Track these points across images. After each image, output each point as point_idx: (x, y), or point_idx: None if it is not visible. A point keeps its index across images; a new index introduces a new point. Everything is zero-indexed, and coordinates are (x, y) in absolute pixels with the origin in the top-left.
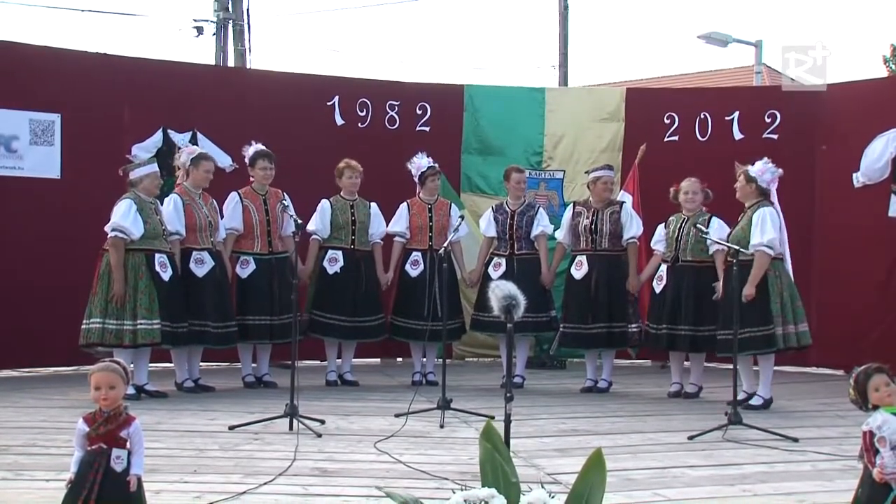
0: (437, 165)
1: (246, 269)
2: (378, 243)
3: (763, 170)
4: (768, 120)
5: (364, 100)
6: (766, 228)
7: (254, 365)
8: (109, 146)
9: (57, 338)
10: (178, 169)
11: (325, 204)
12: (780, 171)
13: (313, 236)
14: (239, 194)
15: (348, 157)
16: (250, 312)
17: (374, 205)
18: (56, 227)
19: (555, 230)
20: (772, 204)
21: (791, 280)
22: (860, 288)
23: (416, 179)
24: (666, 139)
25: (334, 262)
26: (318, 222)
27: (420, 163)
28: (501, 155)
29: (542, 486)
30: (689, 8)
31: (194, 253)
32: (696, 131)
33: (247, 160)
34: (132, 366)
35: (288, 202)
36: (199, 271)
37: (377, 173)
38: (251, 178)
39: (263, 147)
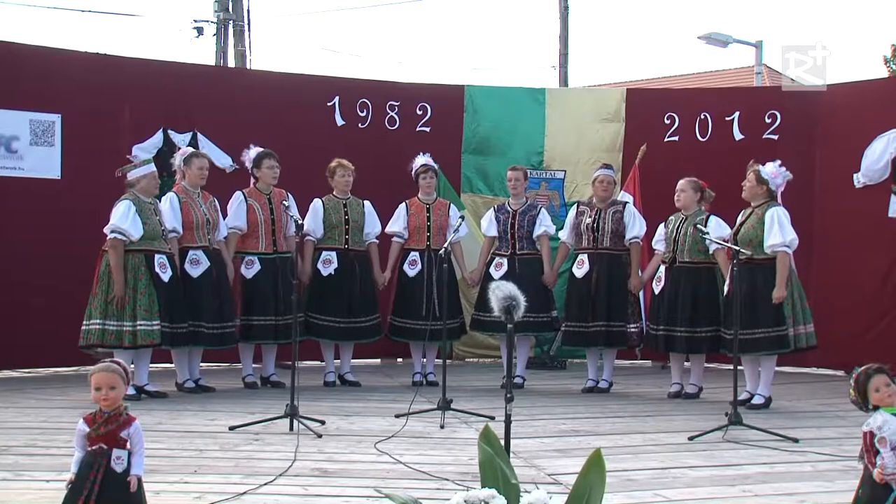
0: (431, 163)
1: (251, 270)
2: (374, 243)
3: (776, 173)
4: (768, 120)
5: (364, 100)
6: (786, 229)
7: (257, 366)
8: (109, 146)
9: (57, 338)
10: (177, 173)
11: (317, 203)
12: (790, 175)
13: (307, 237)
14: (243, 193)
15: (349, 158)
16: (255, 312)
17: (367, 203)
18: (56, 227)
19: (556, 230)
20: (779, 204)
21: (798, 280)
22: (860, 288)
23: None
24: (666, 139)
25: (328, 264)
26: (311, 222)
27: (416, 161)
28: (502, 155)
29: (537, 487)
30: (689, 8)
31: (190, 252)
32: (696, 131)
33: (248, 163)
34: (132, 366)
35: (290, 202)
36: (195, 272)
37: (377, 174)
38: (253, 180)
39: (264, 148)
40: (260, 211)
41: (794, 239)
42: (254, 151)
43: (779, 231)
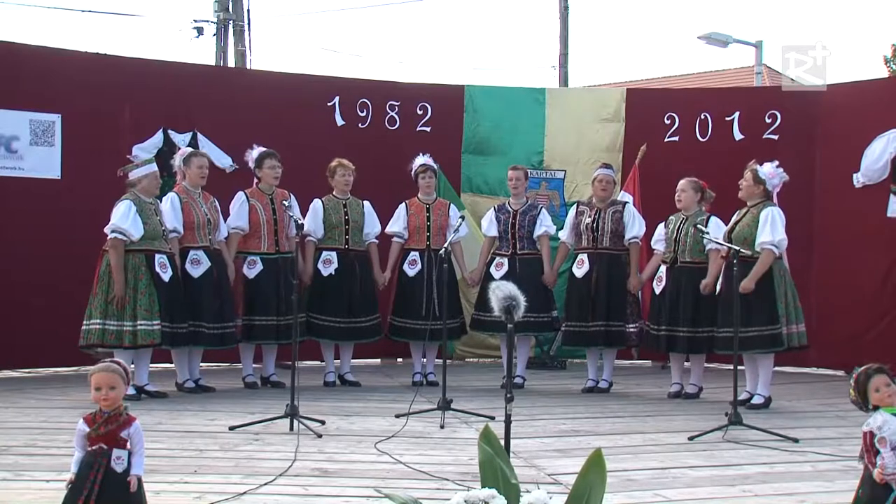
0: (430, 163)
1: (253, 270)
2: (374, 243)
3: (773, 174)
4: (768, 120)
5: (364, 100)
6: (777, 228)
7: (257, 366)
8: (109, 146)
9: (57, 338)
10: (178, 174)
11: (317, 203)
12: (787, 177)
13: (308, 237)
14: (245, 194)
15: (349, 158)
16: (257, 312)
17: (367, 203)
18: (56, 227)
19: (557, 230)
20: (775, 204)
21: (792, 280)
22: (859, 288)
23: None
24: (666, 139)
25: (329, 264)
26: (312, 222)
27: (416, 161)
28: (502, 155)
29: (538, 487)
30: (689, 8)
31: (191, 252)
32: (696, 131)
33: (251, 163)
34: (132, 366)
35: (292, 202)
36: (195, 272)
37: (377, 174)
38: (256, 180)
39: (266, 148)
40: (262, 211)
41: (783, 240)
42: (256, 152)
43: (770, 230)
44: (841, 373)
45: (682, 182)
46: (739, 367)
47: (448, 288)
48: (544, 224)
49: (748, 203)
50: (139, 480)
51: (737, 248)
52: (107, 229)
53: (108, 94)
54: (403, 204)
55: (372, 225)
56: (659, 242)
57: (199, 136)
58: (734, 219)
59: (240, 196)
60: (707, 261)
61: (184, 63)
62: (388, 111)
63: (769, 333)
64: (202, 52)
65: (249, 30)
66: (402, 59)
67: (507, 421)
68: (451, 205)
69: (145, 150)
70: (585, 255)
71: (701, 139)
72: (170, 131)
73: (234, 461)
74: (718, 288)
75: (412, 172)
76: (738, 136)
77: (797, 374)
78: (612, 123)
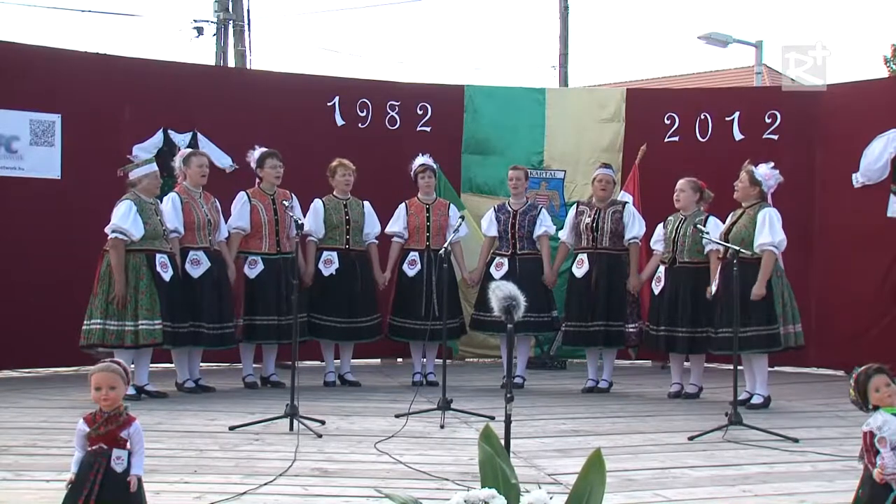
0: (430, 163)
1: (254, 270)
2: (374, 243)
3: (769, 175)
4: (768, 120)
5: (364, 100)
6: (776, 229)
7: (257, 366)
8: (109, 146)
9: (57, 338)
10: (179, 175)
11: (317, 203)
12: (782, 178)
13: (309, 237)
14: (247, 194)
15: (349, 158)
16: (258, 312)
17: (367, 203)
18: (56, 227)
19: (556, 230)
20: (770, 205)
21: (788, 281)
22: (859, 288)
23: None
24: (666, 139)
25: (329, 264)
26: (312, 223)
27: (416, 161)
28: (501, 155)
29: (538, 487)
30: (689, 8)
31: (191, 253)
32: (696, 131)
33: (252, 163)
34: (133, 366)
35: (293, 203)
36: (195, 272)
37: (377, 174)
38: (258, 180)
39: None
40: (263, 211)
41: (783, 240)
42: (258, 152)
43: (769, 231)
44: (841, 373)
45: (680, 182)
46: (739, 368)
47: (448, 288)
48: (544, 224)
49: (743, 204)
50: (139, 480)
51: (737, 248)
52: (107, 229)
53: (108, 94)
54: (403, 204)
55: (372, 225)
56: (658, 243)
57: (199, 136)
58: (730, 220)
59: (241, 196)
60: (706, 261)
61: (184, 63)
62: (388, 111)
63: (766, 333)
64: (202, 52)
65: (249, 30)
66: (402, 59)
67: (507, 421)
68: (451, 205)
69: (145, 150)
70: (585, 255)
71: (701, 139)
72: (170, 131)
73: (234, 461)
74: (714, 288)
75: (412, 172)
76: (738, 136)
77: (797, 374)
78: (612, 123)
